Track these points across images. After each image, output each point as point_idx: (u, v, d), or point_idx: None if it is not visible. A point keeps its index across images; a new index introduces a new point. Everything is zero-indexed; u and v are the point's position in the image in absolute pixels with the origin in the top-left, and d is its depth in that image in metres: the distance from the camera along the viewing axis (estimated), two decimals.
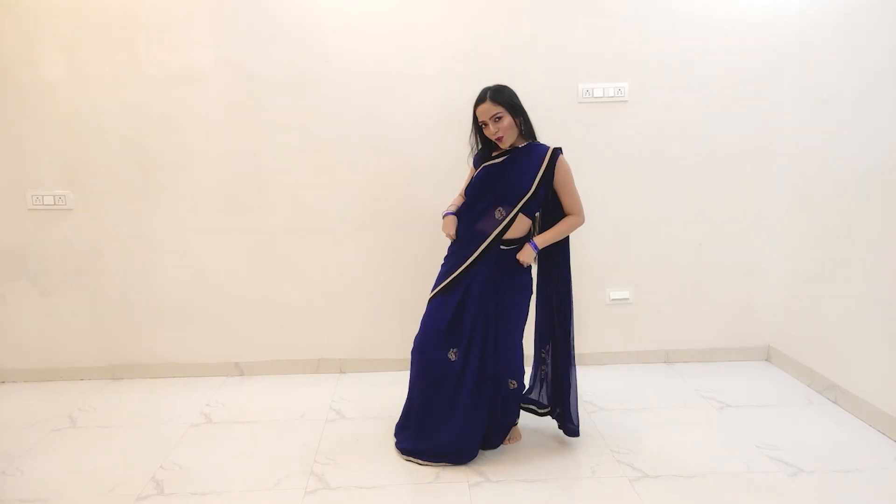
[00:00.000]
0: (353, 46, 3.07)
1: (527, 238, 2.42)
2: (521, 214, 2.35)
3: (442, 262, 2.50)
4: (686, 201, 3.27)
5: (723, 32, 3.12)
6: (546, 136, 3.16)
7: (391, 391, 3.06)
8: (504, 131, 2.31)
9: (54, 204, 3.14)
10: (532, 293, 2.48)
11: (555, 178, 2.36)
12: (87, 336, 3.28)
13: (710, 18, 3.11)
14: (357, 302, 3.29)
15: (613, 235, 3.29)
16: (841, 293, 2.85)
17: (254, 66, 3.07)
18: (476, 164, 2.48)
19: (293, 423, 2.80)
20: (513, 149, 2.38)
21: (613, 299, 3.34)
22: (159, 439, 2.66)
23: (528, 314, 2.47)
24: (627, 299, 3.35)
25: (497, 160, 2.39)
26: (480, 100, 2.32)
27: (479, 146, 2.47)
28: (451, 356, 2.37)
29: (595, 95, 3.15)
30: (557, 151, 2.36)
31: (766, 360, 3.42)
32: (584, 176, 3.20)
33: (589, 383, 3.15)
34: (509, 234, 2.36)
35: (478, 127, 2.40)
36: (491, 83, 2.33)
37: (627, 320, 3.38)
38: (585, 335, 3.38)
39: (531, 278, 2.46)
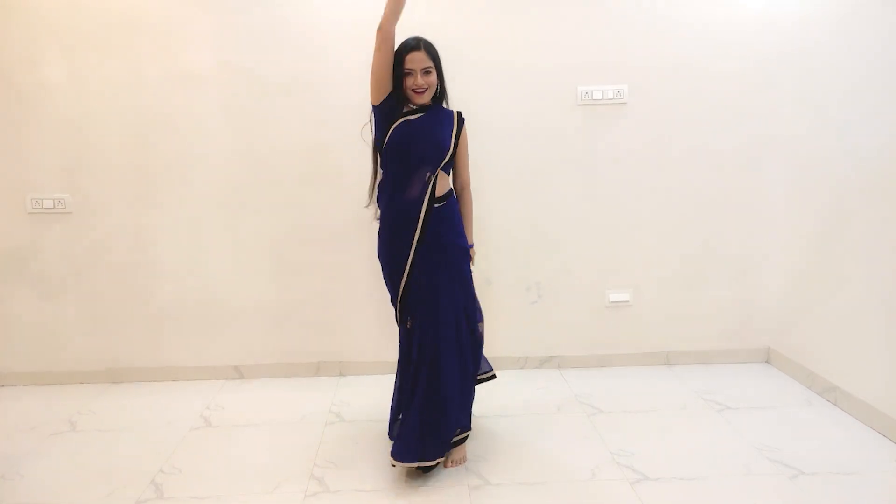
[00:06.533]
0: (353, 48, 3.07)
1: (451, 192, 2.38)
2: (441, 172, 2.31)
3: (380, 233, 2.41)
4: (685, 203, 3.28)
5: (722, 34, 3.12)
6: (545, 137, 3.19)
7: (391, 394, 3.05)
8: (429, 86, 2.24)
9: (54, 207, 3.14)
10: (467, 254, 2.44)
11: (459, 141, 2.36)
12: (87, 339, 3.28)
13: (709, 20, 3.11)
14: (357, 304, 3.28)
15: (613, 237, 3.30)
16: (841, 295, 2.85)
17: (253, 69, 3.08)
18: (388, 101, 2.27)
19: (293, 426, 2.80)
20: (427, 106, 2.29)
21: (613, 301, 3.34)
22: (159, 443, 2.65)
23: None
24: (627, 301, 3.35)
25: (414, 116, 2.27)
26: (413, 47, 2.21)
27: (393, 98, 2.28)
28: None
29: (594, 97, 3.15)
30: (461, 114, 2.38)
31: (766, 361, 3.42)
32: (583, 177, 3.23)
33: (588, 385, 3.15)
34: (437, 192, 2.30)
35: (397, 77, 2.24)
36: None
37: (627, 322, 3.38)
38: (585, 337, 3.38)
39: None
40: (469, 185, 2.49)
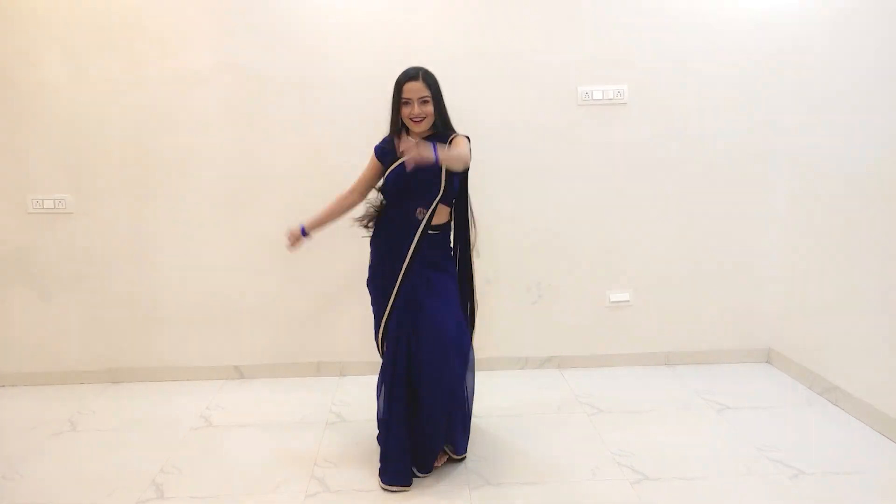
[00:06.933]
0: (353, 48, 3.08)
1: (449, 222, 2.39)
2: (440, 205, 2.30)
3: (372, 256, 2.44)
4: (686, 203, 3.27)
5: (722, 34, 3.12)
6: (545, 137, 3.19)
7: None
8: (426, 116, 2.24)
9: (54, 207, 3.14)
10: (453, 281, 2.40)
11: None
12: (87, 339, 3.28)
13: (709, 20, 3.11)
14: (357, 304, 3.26)
15: (613, 237, 3.29)
16: (841, 295, 2.85)
17: (254, 68, 3.08)
18: (382, 157, 2.35)
19: (293, 426, 2.80)
20: (426, 139, 2.26)
21: (613, 301, 3.34)
22: (159, 443, 2.65)
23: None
24: (627, 301, 3.35)
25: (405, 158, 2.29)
26: (412, 77, 2.23)
27: (392, 127, 2.34)
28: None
29: (595, 98, 3.15)
30: (454, 134, 2.29)
31: (767, 361, 3.42)
32: (583, 177, 3.23)
33: (588, 385, 3.15)
34: (434, 221, 2.31)
35: (396, 106, 2.28)
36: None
37: (627, 322, 3.38)
38: (585, 338, 3.38)
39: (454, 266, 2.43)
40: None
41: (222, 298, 3.27)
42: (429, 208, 2.28)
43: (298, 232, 2.45)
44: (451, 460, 2.45)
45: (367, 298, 3.14)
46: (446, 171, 2.25)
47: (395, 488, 2.27)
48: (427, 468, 2.35)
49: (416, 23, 3.06)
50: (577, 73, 3.14)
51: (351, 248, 3.20)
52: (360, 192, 2.44)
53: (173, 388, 3.24)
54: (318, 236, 3.20)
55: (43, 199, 3.13)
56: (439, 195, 2.27)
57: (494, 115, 3.11)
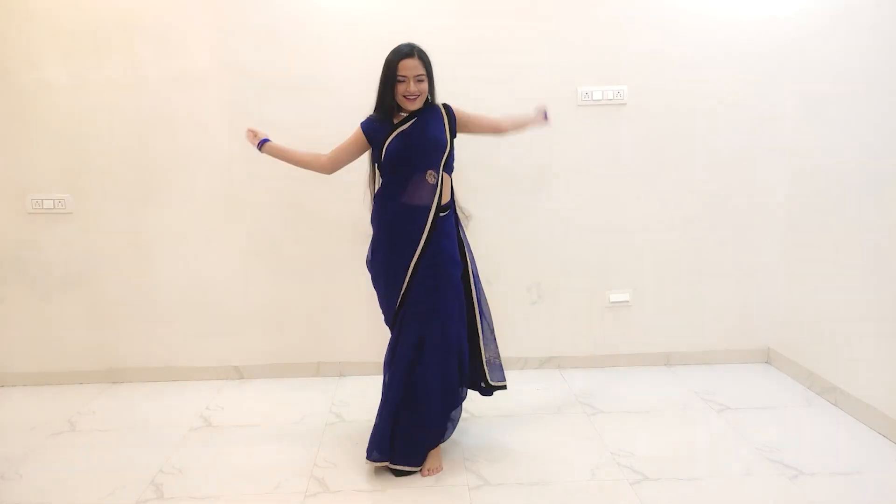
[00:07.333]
0: (352, 49, 3.08)
1: (452, 202, 2.38)
2: (444, 174, 2.30)
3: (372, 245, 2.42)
4: (685, 203, 3.27)
5: (722, 34, 3.12)
6: (545, 137, 3.18)
7: None
8: (421, 94, 2.24)
9: (54, 207, 3.14)
10: (460, 267, 2.40)
11: (457, 121, 2.35)
12: (87, 340, 3.28)
13: (708, 20, 3.11)
14: (357, 304, 3.28)
15: (613, 238, 3.29)
16: (840, 295, 2.85)
17: (253, 69, 3.08)
18: (373, 133, 2.29)
19: (293, 426, 2.80)
20: (416, 112, 2.28)
21: (613, 301, 3.34)
22: (159, 443, 2.65)
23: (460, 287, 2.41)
24: (627, 301, 3.35)
25: (405, 125, 2.27)
26: (407, 54, 2.20)
27: (381, 106, 2.28)
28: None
29: (594, 98, 3.15)
30: (447, 105, 2.35)
31: (766, 362, 3.42)
32: (583, 178, 3.23)
33: (588, 385, 3.15)
34: (442, 199, 2.30)
35: (389, 83, 2.23)
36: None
37: (627, 322, 3.38)
38: (585, 338, 3.38)
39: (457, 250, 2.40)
40: (500, 120, 2.47)
41: (222, 298, 3.27)
42: (438, 171, 2.26)
43: (258, 142, 2.40)
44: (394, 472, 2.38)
45: (368, 298, 3.14)
46: (450, 125, 2.31)
47: (376, 464, 2.35)
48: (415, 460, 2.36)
49: (416, 23, 3.06)
50: (577, 73, 3.14)
51: (351, 248, 3.22)
52: (332, 163, 2.37)
53: (173, 388, 3.24)
54: (318, 237, 3.23)
55: (43, 199, 3.13)
56: (447, 149, 2.26)
57: (494, 115, 3.11)
